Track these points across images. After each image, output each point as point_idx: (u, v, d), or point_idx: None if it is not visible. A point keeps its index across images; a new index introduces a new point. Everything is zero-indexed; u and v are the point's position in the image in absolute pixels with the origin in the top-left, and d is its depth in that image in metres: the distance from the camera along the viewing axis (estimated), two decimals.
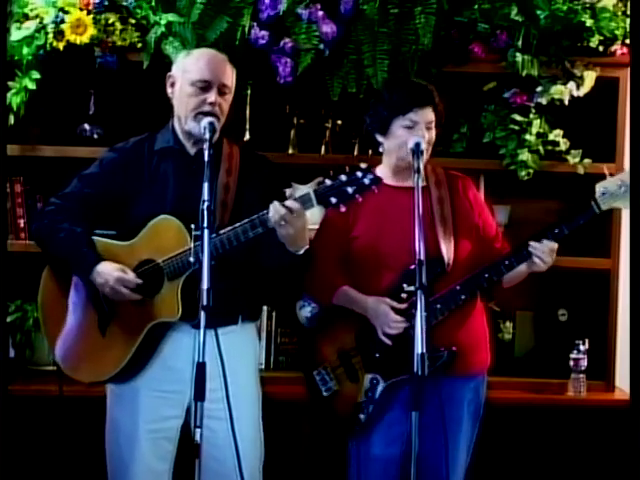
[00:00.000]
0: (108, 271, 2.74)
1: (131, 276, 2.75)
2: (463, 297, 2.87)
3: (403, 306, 2.85)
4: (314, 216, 3.40)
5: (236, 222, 2.73)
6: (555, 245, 2.84)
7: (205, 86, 2.78)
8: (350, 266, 2.96)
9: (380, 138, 2.95)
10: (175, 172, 2.85)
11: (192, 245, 2.69)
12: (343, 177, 2.59)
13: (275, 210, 2.60)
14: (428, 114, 2.88)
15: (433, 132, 2.90)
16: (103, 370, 2.82)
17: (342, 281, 2.96)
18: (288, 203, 2.59)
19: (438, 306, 2.84)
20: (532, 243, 2.84)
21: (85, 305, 2.83)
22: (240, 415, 2.69)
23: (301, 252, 2.71)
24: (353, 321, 2.93)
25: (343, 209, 2.61)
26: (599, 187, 2.86)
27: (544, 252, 2.83)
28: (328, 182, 2.60)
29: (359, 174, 2.59)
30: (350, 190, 2.58)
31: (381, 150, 2.98)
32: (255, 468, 2.88)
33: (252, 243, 2.71)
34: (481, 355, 3.00)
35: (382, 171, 2.98)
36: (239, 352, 2.83)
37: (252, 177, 2.88)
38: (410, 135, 2.85)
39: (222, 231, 2.69)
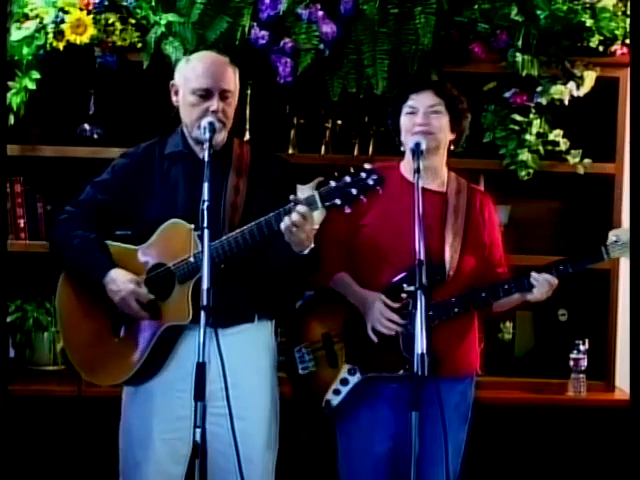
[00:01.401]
0: (122, 281, 2.75)
1: (145, 291, 2.75)
2: (456, 310, 2.88)
3: (397, 305, 2.85)
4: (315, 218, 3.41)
5: (247, 224, 2.72)
6: (556, 281, 2.85)
7: (206, 94, 2.77)
8: (353, 254, 2.96)
9: (400, 139, 2.95)
10: (185, 176, 2.84)
11: (192, 246, 2.69)
12: (347, 178, 2.59)
13: (287, 217, 2.60)
14: (428, 98, 2.88)
15: (441, 117, 2.89)
16: (119, 373, 2.82)
17: (342, 267, 2.95)
18: (298, 208, 2.60)
19: (430, 313, 2.81)
20: (534, 274, 2.84)
21: (100, 309, 2.83)
22: (250, 414, 2.73)
23: (306, 252, 2.70)
24: (344, 308, 2.94)
25: (348, 210, 2.61)
26: (612, 235, 2.87)
27: (544, 286, 2.84)
28: (332, 183, 2.60)
29: (363, 175, 2.58)
30: (354, 191, 2.58)
31: (403, 149, 2.97)
32: (266, 469, 2.88)
33: (260, 246, 2.70)
34: (470, 358, 3.00)
35: (405, 166, 2.99)
36: (253, 350, 2.84)
37: (263, 177, 2.87)
38: (412, 120, 2.87)
39: (230, 234, 2.69)
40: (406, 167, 2.98)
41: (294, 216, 2.59)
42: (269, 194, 2.81)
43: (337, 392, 2.92)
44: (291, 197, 2.62)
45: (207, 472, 2.56)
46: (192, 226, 2.68)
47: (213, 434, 2.56)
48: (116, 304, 2.77)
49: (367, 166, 2.60)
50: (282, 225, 2.61)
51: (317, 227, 3.01)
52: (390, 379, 2.86)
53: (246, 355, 2.78)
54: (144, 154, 2.91)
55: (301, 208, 2.59)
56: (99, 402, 3.13)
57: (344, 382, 2.92)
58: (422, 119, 2.87)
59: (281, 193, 2.74)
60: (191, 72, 2.81)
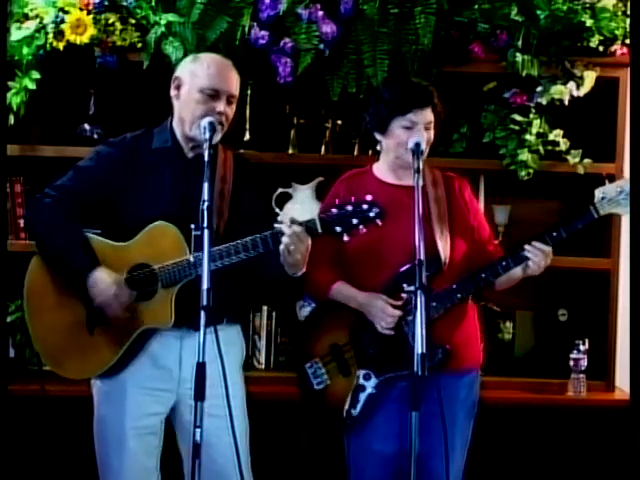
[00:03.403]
0: (105, 284, 2.72)
1: (127, 293, 2.73)
2: (459, 296, 2.89)
3: (398, 303, 2.86)
4: (313, 213, 3.41)
5: (232, 230, 2.75)
6: (550, 249, 2.86)
7: (214, 95, 2.77)
8: (346, 262, 2.96)
9: (379, 136, 2.96)
10: (171, 174, 2.83)
11: (191, 250, 2.69)
12: (349, 207, 2.65)
13: (284, 237, 2.63)
14: (427, 115, 2.89)
15: (432, 132, 2.91)
16: (88, 368, 2.82)
17: (337, 276, 2.96)
18: (294, 228, 2.62)
19: (434, 304, 2.85)
20: (527, 246, 2.86)
21: (74, 300, 2.81)
22: (226, 412, 2.71)
23: (299, 274, 2.74)
24: (347, 316, 2.94)
25: (346, 238, 2.66)
26: (598, 192, 2.87)
27: (538, 256, 2.85)
28: (334, 211, 2.66)
29: (365, 207, 2.65)
30: (355, 221, 2.65)
31: (379, 148, 3.00)
32: (246, 464, 2.87)
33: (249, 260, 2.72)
34: (474, 352, 3.01)
35: (380, 168, 3.01)
36: (224, 350, 2.82)
37: (244, 185, 2.89)
38: (408, 135, 2.86)
39: (222, 246, 2.69)
40: (381, 169, 3.00)
41: (288, 238, 2.62)
42: (249, 202, 2.85)
43: (356, 400, 2.92)
44: (290, 218, 2.66)
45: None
46: (193, 229, 2.67)
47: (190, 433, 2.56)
48: (96, 305, 2.75)
49: (369, 198, 2.66)
50: (280, 246, 2.64)
51: None
52: (401, 378, 2.86)
53: (216, 354, 2.76)
54: (130, 146, 2.88)
55: (297, 228, 2.62)
56: None
57: (361, 389, 2.92)
58: (421, 136, 2.85)
59: (261, 203, 2.88)
60: (203, 70, 2.80)
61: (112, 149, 2.90)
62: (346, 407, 2.92)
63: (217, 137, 2.77)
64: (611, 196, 2.84)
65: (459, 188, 3.02)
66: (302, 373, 2.99)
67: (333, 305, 2.98)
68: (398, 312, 2.86)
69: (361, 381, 2.92)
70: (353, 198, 2.67)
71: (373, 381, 2.91)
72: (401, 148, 2.88)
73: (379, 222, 2.66)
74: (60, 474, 3.43)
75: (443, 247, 2.89)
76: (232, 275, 2.79)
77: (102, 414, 2.86)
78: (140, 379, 2.80)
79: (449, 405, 2.79)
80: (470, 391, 2.97)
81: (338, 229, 2.65)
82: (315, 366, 2.98)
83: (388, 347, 2.89)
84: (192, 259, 2.70)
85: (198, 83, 2.79)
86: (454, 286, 2.89)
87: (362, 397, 2.91)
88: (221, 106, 2.77)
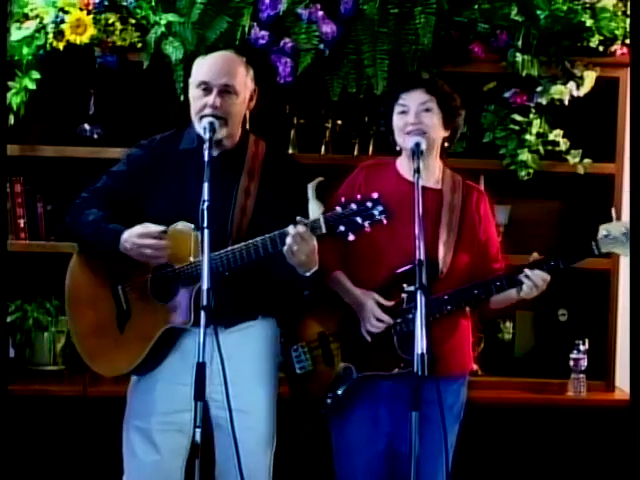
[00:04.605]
0: (130, 233, 2.73)
1: (152, 227, 2.73)
2: (449, 307, 2.86)
3: (390, 303, 2.85)
4: (313, 212, 3.41)
5: (254, 229, 2.74)
6: (548, 277, 2.82)
7: (206, 87, 2.77)
8: (348, 253, 2.94)
9: (393, 137, 2.94)
10: (197, 174, 2.76)
11: (198, 251, 2.68)
12: (353, 206, 2.62)
13: (287, 238, 2.61)
14: (419, 95, 2.86)
15: (433, 115, 2.86)
16: (118, 366, 2.85)
17: (337, 266, 2.94)
18: (298, 228, 2.60)
19: None
20: (527, 271, 2.82)
21: (107, 299, 2.84)
22: (253, 408, 2.76)
23: (309, 274, 2.71)
24: (340, 307, 2.93)
25: (351, 238, 2.62)
26: (602, 229, 2.83)
27: (536, 281, 2.81)
28: (339, 209, 2.62)
29: (369, 204, 2.61)
30: (359, 220, 2.61)
31: (398, 149, 2.96)
32: (266, 462, 2.90)
33: (264, 260, 2.71)
34: (462, 359, 2.99)
35: (402, 164, 2.98)
36: (256, 345, 2.85)
37: (274, 180, 2.85)
38: (404, 120, 2.85)
39: (235, 246, 2.69)
40: (402, 165, 2.97)
41: (290, 238, 2.60)
42: (279, 198, 2.81)
43: (333, 391, 2.92)
44: (297, 218, 2.63)
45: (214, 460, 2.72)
46: (193, 229, 2.68)
47: (219, 426, 2.64)
48: (138, 259, 2.75)
49: (375, 195, 2.62)
50: (284, 247, 2.62)
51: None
52: (385, 377, 2.86)
53: (249, 350, 2.80)
54: (159, 147, 2.89)
55: (300, 228, 2.60)
56: (103, 402, 3.13)
57: (340, 381, 2.92)
58: (414, 118, 2.85)
59: (291, 198, 2.80)
60: (199, 67, 2.83)
61: (141, 151, 2.91)
62: (323, 395, 2.92)
63: (221, 132, 2.76)
64: (614, 235, 2.80)
65: (477, 200, 2.98)
66: (287, 355, 2.99)
67: (328, 293, 2.95)
68: (387, 317, 2.84)
69: (342, 374, 2.91)
70: (359, 196, 2.64)
71: (353, 376, 2.90)
72: (401, 134, 2.87)
73: (384, 220, 2.62)
74: (61, 475, 3.43)
75: (444, 254, 2.86)
76: (256, 276, 2.79)
77: (131, 407, 2.88)
78: (171, 374, 2.81)
79: (436, 411, 2.73)
80: (457, 397, 2.95)
81: (342, 228, 2.61)
82: (300, 350, 2.97)
83: (373, 345, 2.87)
84: (193, 248, 2.69)
85: (193, 81, 2.82)
86: (445, 297, 2.86)
87: (340, 390, 2.91)
88: (211, 99, 2.75)
